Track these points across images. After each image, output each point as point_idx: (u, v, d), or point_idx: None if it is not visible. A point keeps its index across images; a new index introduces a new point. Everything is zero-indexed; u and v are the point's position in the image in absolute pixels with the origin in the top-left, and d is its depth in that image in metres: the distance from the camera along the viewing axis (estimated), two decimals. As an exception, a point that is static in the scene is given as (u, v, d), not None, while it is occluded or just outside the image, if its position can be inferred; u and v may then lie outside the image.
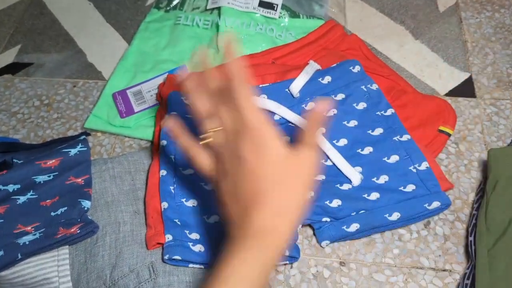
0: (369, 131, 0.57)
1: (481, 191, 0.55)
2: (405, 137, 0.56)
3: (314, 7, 0.76)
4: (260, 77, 0.62)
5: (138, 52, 0.74)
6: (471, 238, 0.50)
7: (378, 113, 0.59)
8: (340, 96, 0.60)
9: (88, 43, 0.81)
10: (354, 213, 0.52)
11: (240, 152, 0.36)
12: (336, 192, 0.53)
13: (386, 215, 0.51)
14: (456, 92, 0.68)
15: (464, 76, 0.70)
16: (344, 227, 0.52)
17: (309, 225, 0.55)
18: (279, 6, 0.73)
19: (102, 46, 0.80)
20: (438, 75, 0.70)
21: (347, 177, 0.55)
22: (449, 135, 0.59)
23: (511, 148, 0.54)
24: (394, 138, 0.56)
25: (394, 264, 0.53)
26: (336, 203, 0.52)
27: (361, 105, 0.59)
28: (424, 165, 0.54)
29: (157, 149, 0.58)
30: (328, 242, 0.53)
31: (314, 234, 0.55)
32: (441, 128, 0.58)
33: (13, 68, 0.79)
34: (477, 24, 0.76)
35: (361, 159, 0.56)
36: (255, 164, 0.36)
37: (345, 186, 0.54)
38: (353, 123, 0.58)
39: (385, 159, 0.55)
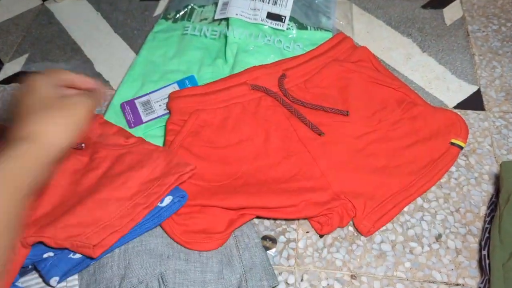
0: None
1: (493, 204, 0.55)
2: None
3: (321, 19, 0.76)
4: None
5: (146, 62, 0.74)
6: (484, 252, 0.50)
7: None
8: None
9: (95, 52, 0.81)
10: None
11: None
12: None
13: None
14: (464, 104, 0.68)
15: (472, 89, 0.70)
16: (71, 255, 0.48)
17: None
18: (287, 18, 0.74)
19: (110, 55, 0.80)
20: (446, 88, 0.70)
21: None
22: (461, 147, 0.58)
23: (522, 161, 0.54)
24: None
25: (406, 278, 0.52)
26: None
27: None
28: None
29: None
30: (57, 278, 0.47)
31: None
32: (453, 140, 0.58)
33: (21, 77, 0.79)
34: (484, 37, 0.76)
35: None
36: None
37: None
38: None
39: None
